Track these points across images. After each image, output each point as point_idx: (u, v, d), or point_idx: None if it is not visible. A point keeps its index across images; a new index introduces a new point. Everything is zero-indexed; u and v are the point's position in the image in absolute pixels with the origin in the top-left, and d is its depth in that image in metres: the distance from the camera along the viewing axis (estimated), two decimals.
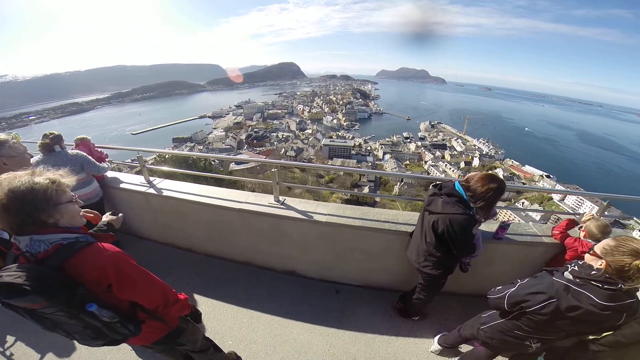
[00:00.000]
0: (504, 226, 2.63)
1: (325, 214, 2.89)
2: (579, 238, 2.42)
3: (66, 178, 1.19)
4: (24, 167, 1.69)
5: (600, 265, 1.40)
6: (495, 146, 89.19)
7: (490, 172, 2.14)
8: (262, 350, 2.59)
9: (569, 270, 1.51)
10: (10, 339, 2.57)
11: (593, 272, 1.40)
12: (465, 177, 2.10)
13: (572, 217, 2.63)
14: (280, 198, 3.10)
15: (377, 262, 3.05)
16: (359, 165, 60.15)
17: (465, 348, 2.56)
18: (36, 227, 1.10)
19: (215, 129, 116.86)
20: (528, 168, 74.44)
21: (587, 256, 1.53)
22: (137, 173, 3.72)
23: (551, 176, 62.44)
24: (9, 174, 1.09)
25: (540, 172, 63.67)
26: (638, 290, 1.40)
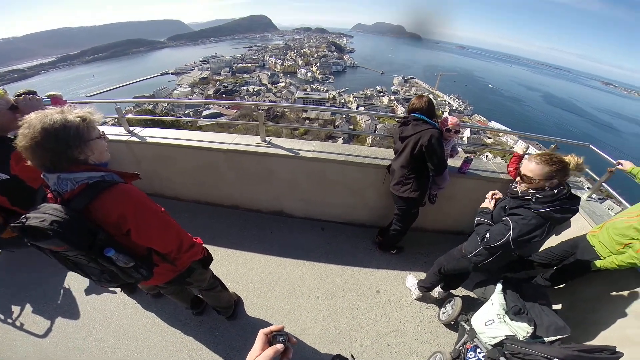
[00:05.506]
0: (468, 160, 2.84)
1: (311, 151, 2.95)
2: None
3: (95, 115, 1.19)
4: (10, 121, 1.79)
5: (551, 184, 1.61)
6: (465, 102, 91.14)
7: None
8: (259, 289, 2.75)
9: (535, 201, 1.63)
10: (16, 309, 2.55)
11: (555, 191, 1.58)
12: (410, 106, 2.44)
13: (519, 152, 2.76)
14: (267, 138, 3.10)
15: (358, 197, 3.21)
16: (334, 117, 59.94)
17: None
18: (68, 164, 1.11)
19: (179, 85, 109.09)
20: (494, 124, 77.44)
21: (541, 183, 1.65)
22: (115, 125, 3.55)
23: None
24: (39, 112, 1.07)
25: (505, 128, 66.43)
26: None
